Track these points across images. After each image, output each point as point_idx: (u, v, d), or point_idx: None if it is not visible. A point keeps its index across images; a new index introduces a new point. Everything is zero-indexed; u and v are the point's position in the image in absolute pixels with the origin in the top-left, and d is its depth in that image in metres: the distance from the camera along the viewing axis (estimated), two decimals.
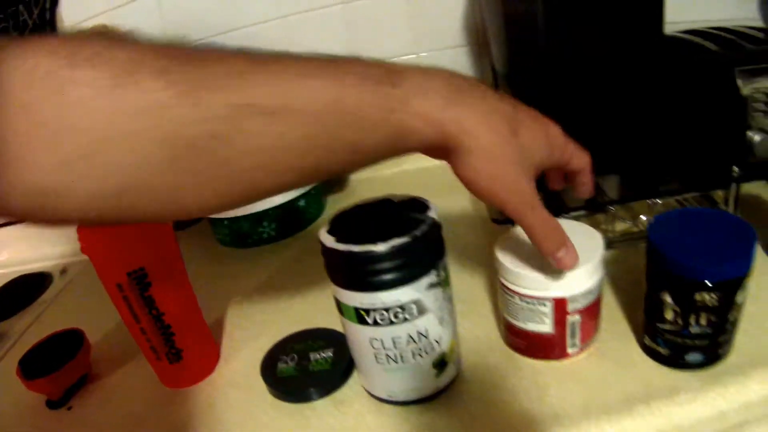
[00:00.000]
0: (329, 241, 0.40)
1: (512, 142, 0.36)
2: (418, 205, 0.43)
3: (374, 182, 0.79)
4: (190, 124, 0.27)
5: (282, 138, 0.30)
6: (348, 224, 0.43)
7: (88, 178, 0.27)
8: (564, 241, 0.41)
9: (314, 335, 0.55)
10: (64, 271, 0.95)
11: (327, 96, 0.30)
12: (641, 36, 0.65)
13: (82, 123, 0.26)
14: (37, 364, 0.59)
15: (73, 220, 0.30)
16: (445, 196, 0.59)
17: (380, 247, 0.38)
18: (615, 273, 0.57)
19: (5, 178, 0.26)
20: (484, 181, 0.36)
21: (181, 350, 0.54)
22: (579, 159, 0.44)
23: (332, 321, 0.51)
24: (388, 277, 0.39)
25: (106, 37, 0.28)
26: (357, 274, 0.39)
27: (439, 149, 0.35)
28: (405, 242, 0.38)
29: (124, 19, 0.90)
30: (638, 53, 0.65)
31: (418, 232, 0.39)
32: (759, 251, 0.47)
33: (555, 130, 0.42)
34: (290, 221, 0.83)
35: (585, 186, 0.46)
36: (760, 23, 0.97)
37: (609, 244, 0.62)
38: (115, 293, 0.50)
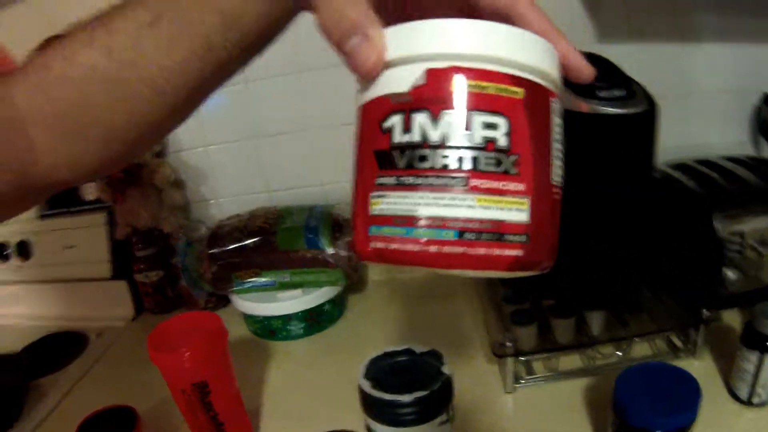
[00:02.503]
0: (366, 386, 0.55)
1: None
2: (435, 356, 0.58)
3: (390, 285, 0.96)
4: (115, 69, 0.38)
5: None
6: (378, 368, 0.58)
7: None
8: (358, 25, 0.32)
9: None
10: (100, 334, 1.08)
11: None
12: (633, 177, 0.75)
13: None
14: None
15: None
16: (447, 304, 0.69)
17: (406, 398, 0.52)
18: (595, 398, 0.71)
19: None
20: None
21: None
22: None
23: (354, 420, 0.61)
24: (409, 417, 0.53)
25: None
26: (386, 414, 0.54)
27: None
28: (425, 395, 0.53)
29: None
30: (630, 193, 0.75)
31: (435, 387, 0.53)
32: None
33: None
34: (315, 321, 0.97)
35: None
36: (749, 146, 1.11)
37: (594, 370, 0.77)
38: (179, 396, 0.65)
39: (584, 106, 0.68)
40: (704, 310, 0.75)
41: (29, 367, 0.98)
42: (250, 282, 0.97)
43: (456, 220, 0.29)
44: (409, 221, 0.30)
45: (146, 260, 1.08)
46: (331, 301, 0.98)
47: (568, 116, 0.67)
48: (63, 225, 1.17)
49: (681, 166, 0.94)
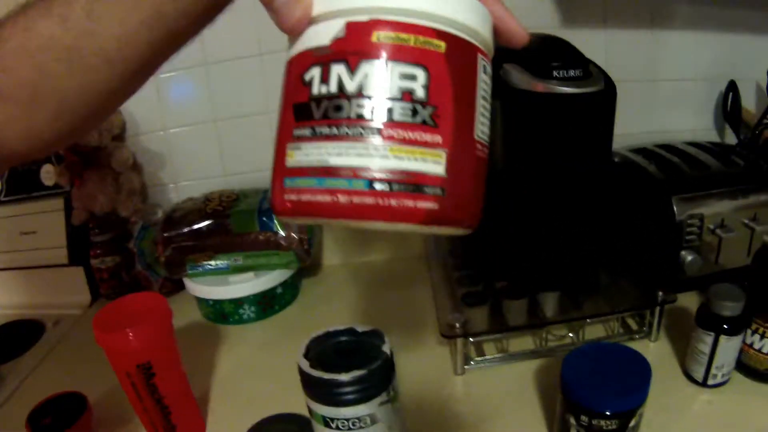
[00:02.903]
0: (304, 365, 0.53)
1: None
2: (377, 335, 0.57)
3: (345, 269, 0.95)
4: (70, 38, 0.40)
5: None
6: (319, 348, 0.57)
7: None
8: None
9: (287, 419, 0.67)
10: (57, 322, 1.07)
11: None
12: (590, 158, 0.75)
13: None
14: (42, 426, 0.71)
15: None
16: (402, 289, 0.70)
17: (344, 377, 0.51)
18: (547, 380, 0.71)
19: None
20: None
21: (176, 426, 0.67)
22: None
23: (302, 403, 0.62)
24: (348, 397, 0.52)
25: None
26: (325, 393, 0.53)
27: None
28: (363, 374, 0.51)
29: None
30: (586, 174, 0.75)
31: (374, 366, 0.52)
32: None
33: None
34: (268, 305, 0.97)
35: None
36: (714, 133, 1.11)
37: (546, 352, 0.76)
38: (124, 380, 0.63)
39: (540, 86, 0.68)
40: (660, 293, 0.74)
41: None
42: (202, 265, 0.95)
43: (368, 170, 0.29)
44: (321, 171, 0.30)
45: (103, 245, 1.06)
46: (284, 284, 0.97)
47: (525, 96, 0.68)
48: (21, 211, 1.15)
49: (642, 151, 0.94)
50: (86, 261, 1.09)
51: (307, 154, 0.30)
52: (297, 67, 0.32)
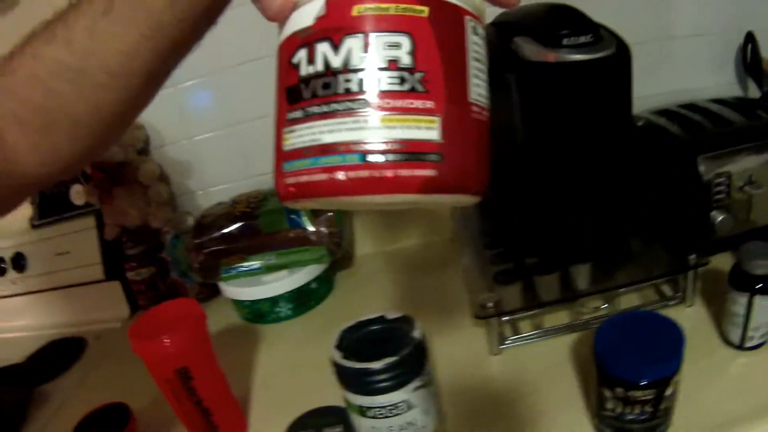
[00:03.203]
0: (337, 356, 0.54)
1: None
2: (407, 321, 0.57)
3: (378, 257, 0.95)
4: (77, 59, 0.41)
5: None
6: (352, 338, 0.58)
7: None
8: None
9: (326, 413, 0.69)
10: (98, 337, 1.10)
11: None
12: (611, 125, 0.74)
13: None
14: None
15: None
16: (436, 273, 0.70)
17: (376, 365, 0.52)
18: (583, 354, 0.71)
19: None
20: None
21: (218, 427, 0.69)
22: None
23: (340, 396, 0.63)
24: (382, 385, 0.53)
25: None
26: (359, 383, 0.54)
27: None
28: (395, 360, 0.52)
29: None
30: (608, 142, 0.74)
31: (405, 352, 0.53)
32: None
33: None
34: (303, 301, 0.98)
35: None
36: (737, 88, 1.09)
37: (582, 325, 0.76)
38: (164, 386, 0.65)
39: (551, 56, 0.67)
40: (691, 256, 0.73)
41: (33, 375, 1.01)
42: (236, 268, 0.97)
43: (360, 143, 0.29)
44: (316, 150, 0.30)
45: (137, 258, 1.09)
46: (318, 279, 0.98)
47: (538, 68, 0.68)
48: (54, 233, 1.19)
49: (665, 112, 0.93)
50: (122, 275, 1.12)
51: (300, 135, 0.31)
52: (285, 51, 0.33)
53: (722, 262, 0.79)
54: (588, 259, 0.78)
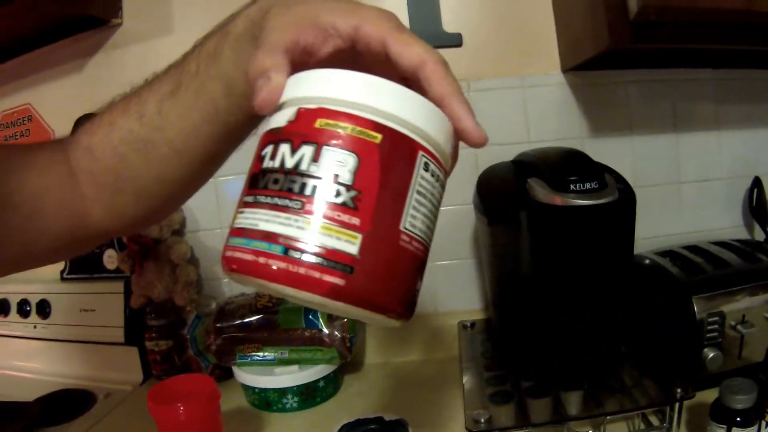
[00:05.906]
0: None
1: None
2: (401, 425, 0.65)
3: (386, 367, 1.03)
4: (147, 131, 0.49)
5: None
6: None
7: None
8: (267, 70, 0.38)
9: None
10: (108, 395, 1.15)
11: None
12: (612, 264, 0.82)
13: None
14: None
15: None
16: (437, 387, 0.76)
17: None
18: None
19: None
20: None
21: None
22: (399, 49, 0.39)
23: None
24: None
25: None
26: None
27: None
28: None
29: None
30: (608, 279, 0.82)
31: None
32: None
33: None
34: (310, 396, 1.04)
35: (433, 83, 0.39)
36: (743, 230, 1.16)
37: None
38: None
39: (558, 199, 0.77)
40: (678, 389, 0.79)
41: (38, 416, 1.05)
42: (251, 356, 1.04)
43: (286, 237, 0.32)
44: (252, 234, 0.34)
45: (158, 330, 1.16)
46: (326, 378, 1.05)
47: (546, 209, 0.77)
48: (83, 289, 1.27)
49: (668, 253, 1.00)
50: (141, 342, 1.18)
51: (246, 217, 0.35)
52: (260, 144, 0.37)
53: (711, 396, 0.85)
54: (580, 387, 0.83)
